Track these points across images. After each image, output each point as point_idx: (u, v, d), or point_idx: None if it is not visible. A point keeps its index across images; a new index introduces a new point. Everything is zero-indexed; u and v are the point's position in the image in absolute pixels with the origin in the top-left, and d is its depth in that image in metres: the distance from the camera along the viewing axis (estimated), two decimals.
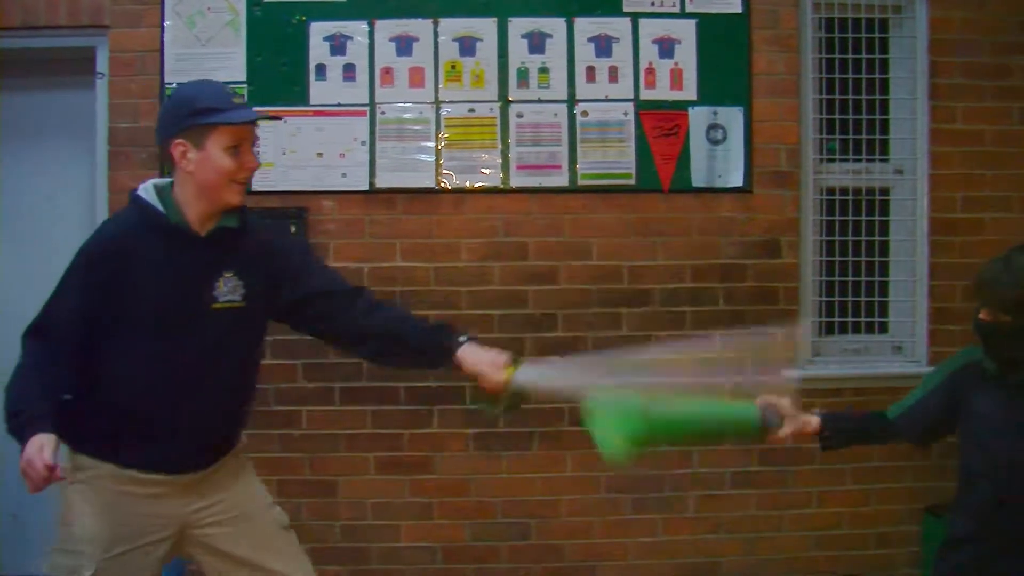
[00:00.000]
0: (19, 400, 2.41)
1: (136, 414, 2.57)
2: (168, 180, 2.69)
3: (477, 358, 2.73)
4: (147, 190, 2.66)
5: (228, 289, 2.65)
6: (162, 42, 4.32)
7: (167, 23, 4.32)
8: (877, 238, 4.57)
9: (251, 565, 2.74)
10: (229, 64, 4.33)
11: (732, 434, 2.60)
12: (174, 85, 4.27)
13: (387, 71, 4.35)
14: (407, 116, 4.34)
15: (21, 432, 2.33)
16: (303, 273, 2.79)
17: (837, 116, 4.54)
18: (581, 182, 4.36)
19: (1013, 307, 2.41)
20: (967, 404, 2.63)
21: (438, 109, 4.35)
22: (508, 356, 2.74)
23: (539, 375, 2.75)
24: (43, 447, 2.28)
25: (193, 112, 2.56)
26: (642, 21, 4.38)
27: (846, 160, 4.57)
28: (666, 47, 4.38)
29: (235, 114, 2.60)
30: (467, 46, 4.35)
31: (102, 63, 4.37)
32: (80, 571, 2.52)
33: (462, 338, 2.76)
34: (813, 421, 2.72)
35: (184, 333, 2.58)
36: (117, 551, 2.58)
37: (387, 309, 2.85)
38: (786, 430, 2.61)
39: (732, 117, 4.39)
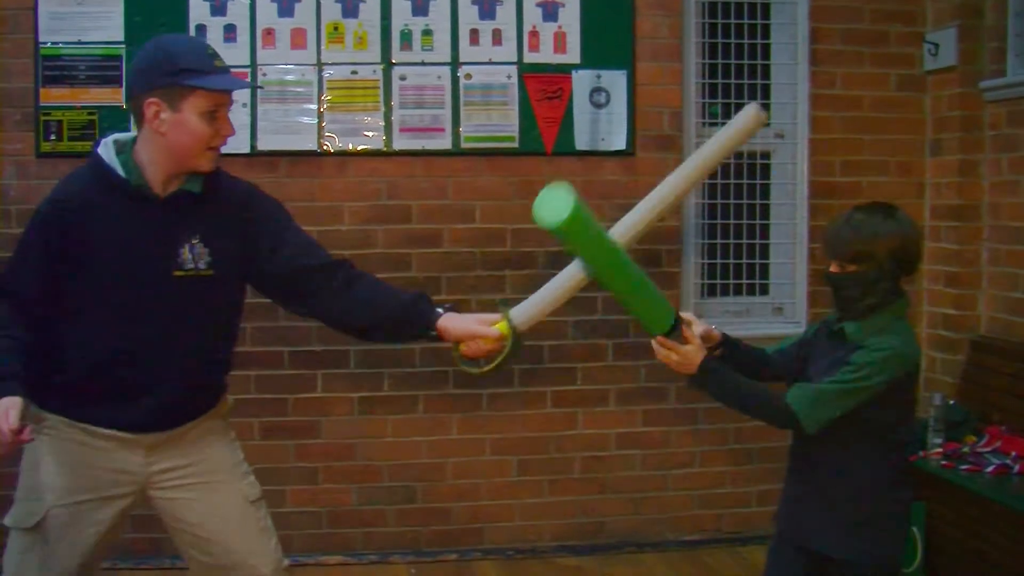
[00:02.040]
0: None
1: (95, 377, 2.49)
2: (131, 135, 2.54)
3: (463, 325, 2.61)
4: (107, 147, 2.50)
5: (192, 256, 2.51)
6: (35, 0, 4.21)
7: None
8: (758, 201, 4.65)
9: (206, 535, 2.65)
10: (106, 24, 4.23)
11: (650, 311, 2.57)
12: (48, 44, 4.18)
13: (268, 32, 4.29)
14: (289, 78, 4.29)
15: None
16: (280, 245, 2.63)
17: (719, 80, 4.60)
18: (464, 145, 4.36)
19: (854, 257, 2.57)
20: (811, 353, 2.74)
21: (320, 71, 4.31)
22: (499, 305, 2.66)
23: (529, 305, 2.63)
24: (9, 410, 2.23)
25: (173, 71, 2.40)
26: None
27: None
28: (550, 10, 4.39)
29: (218, 79, 2.46)
30: (350, 7, 4.30)
31: None
32: (39, 513, 2.47)
33: (440, 309, 2.65)
34: (716, 333, 2.79)
35: (143, 299, 2.49)
36: (76, 499, 2.50)
37: (365, 283, 2.71)
38: (699, 330, 2.65)
39: (615, 80, 4.42)
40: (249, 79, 4.24)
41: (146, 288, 2.48)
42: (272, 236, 2.63)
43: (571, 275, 2.61)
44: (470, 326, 2.60)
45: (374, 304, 2.66)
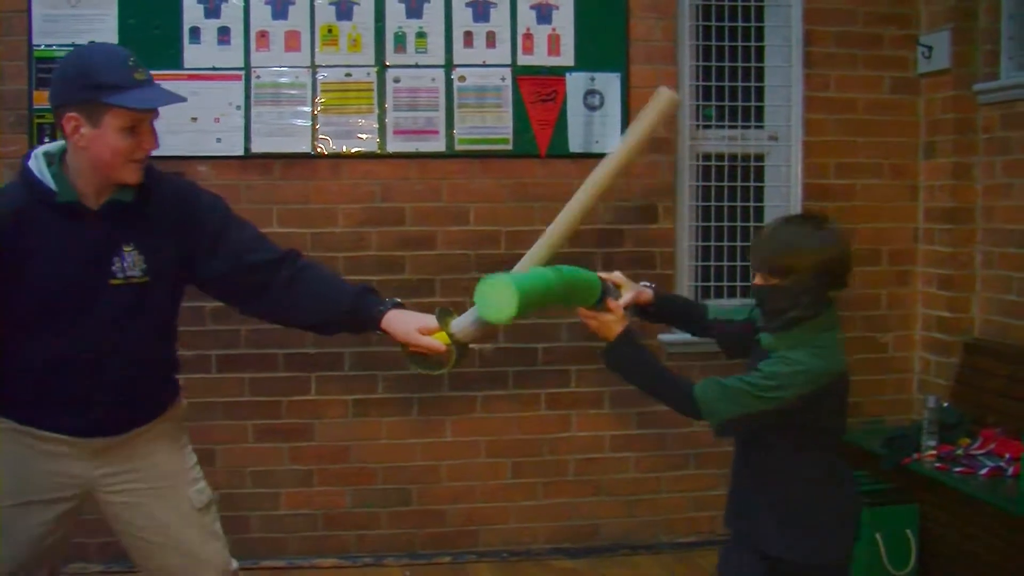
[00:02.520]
0: None
1: (39, 385, 2.49)
2: (61, 145, 2.47)
3: (405, 326, 2.60)
4: (37, 159, 2.45)
5: (127, 264, 2.49)
6: (29, 2, 4.19)
7: None
8: (752, 204, 4.65)
9: (151, 541, 2.63)
10: (101, 27, 4.22)
11: (582, 297, 2.62)
12: (42, 47, 4.18)
13: (263, 34, 4.28)
14: (283, 80, 4.29)
15: None
16: (218, 242, 2.60)
17: (713, 83, 4.60)
18: (458, 147, 4.36)
19: (776, 270, 2.56)
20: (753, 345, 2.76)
21: (314, 73, 4.30)
22: (437, 314, 2.64)
23: (472, 319, 2.58)
24: None
25: (90, 86, 2.34)
26: None
27: (722, 127, 4.64)
28: (544, 12, 4.39)
29: (137, 96, 2.39)
30: (344, 10, 4.30)
31: None
32: None
33: (382, 307, 2.64)
34: (647, 292, 2.86)
35: (82, 310, 2.47)
36: (22, 500, 2.50)
37: (310, 276, 2.67)
38: (625, 298, 2.74)
39: (609, 83, 4.42)
40: (243, 81, 4.25)
41: (83, 298, 2.47)
42: (211, 235, 2.60)
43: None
44: (410, 333, 2.59)
45: (320, 300, 2.65)
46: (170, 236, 2.55)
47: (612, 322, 2.64)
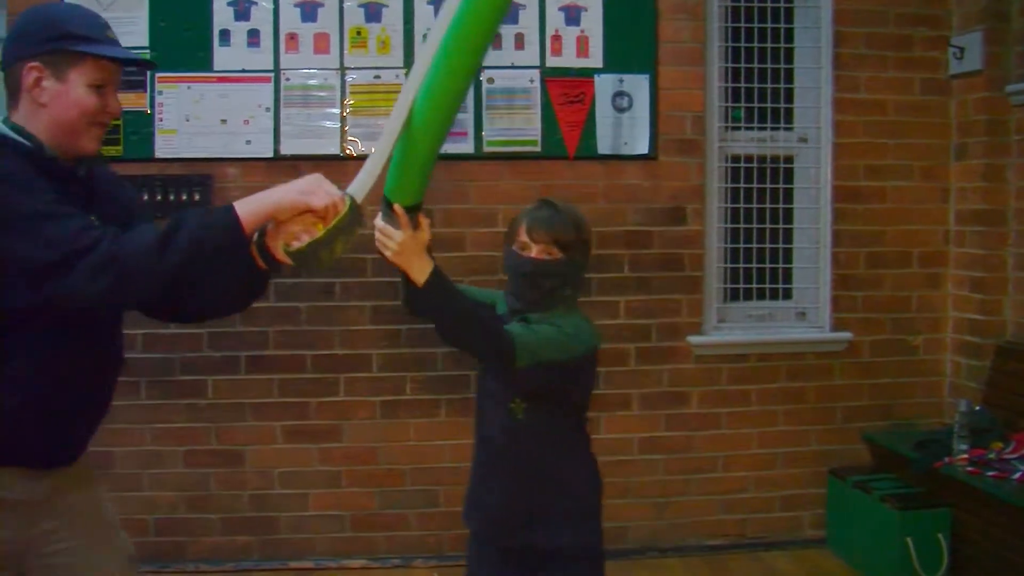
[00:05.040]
0: None
1: (32, 398, 2.15)
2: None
3: (280, 197, 2.09)
4: (7, 123, 2.15)
5: None
6: (61, 3, 4.23)
7: None
8: (781, 206, 4.62)
9: None
10: (132, 29, 4.25)
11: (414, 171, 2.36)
12: None
13: (292, 37, 4.30)
14: (312, 82, 4.31)
15: None
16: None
17: (742, 84, 4.58)
18: (487, 149, 4.37)
19: (564, 244, 2.53)
20: None
21: (343, 75, 4.32)
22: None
23: (365, 175, 2.23)
24: None
25: (63, 35, 2.12)
26: None
27: (751, 128, 4.63)
28: (572, 14, 4.38)
29: (112, 48, 2.18)
30: (373, 12, 4.31)
31: (0, 27, 4.27)
32: None
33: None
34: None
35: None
36: None
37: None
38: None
39: (638, 85, 4.41)
40: (272, 84, 4.27)
41: None
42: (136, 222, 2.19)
43: (391, 129, 2.26)
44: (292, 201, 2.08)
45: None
46: (114, 220, 2.15)
47: (418, 255, 2.34)
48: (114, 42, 2.21)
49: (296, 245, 2.06)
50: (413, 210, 2.35)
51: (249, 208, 2.05)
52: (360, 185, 2.20)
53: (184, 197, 4.23)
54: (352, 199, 2.12)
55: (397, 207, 2.30)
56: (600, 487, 2.67)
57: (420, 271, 2.35)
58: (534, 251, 2.55)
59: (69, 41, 2.12)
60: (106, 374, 2.33)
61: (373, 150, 2.25)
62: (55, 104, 2.13)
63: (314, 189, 2.09)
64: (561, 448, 2.61)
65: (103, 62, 2.16)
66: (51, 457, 2.22)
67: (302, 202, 2.07)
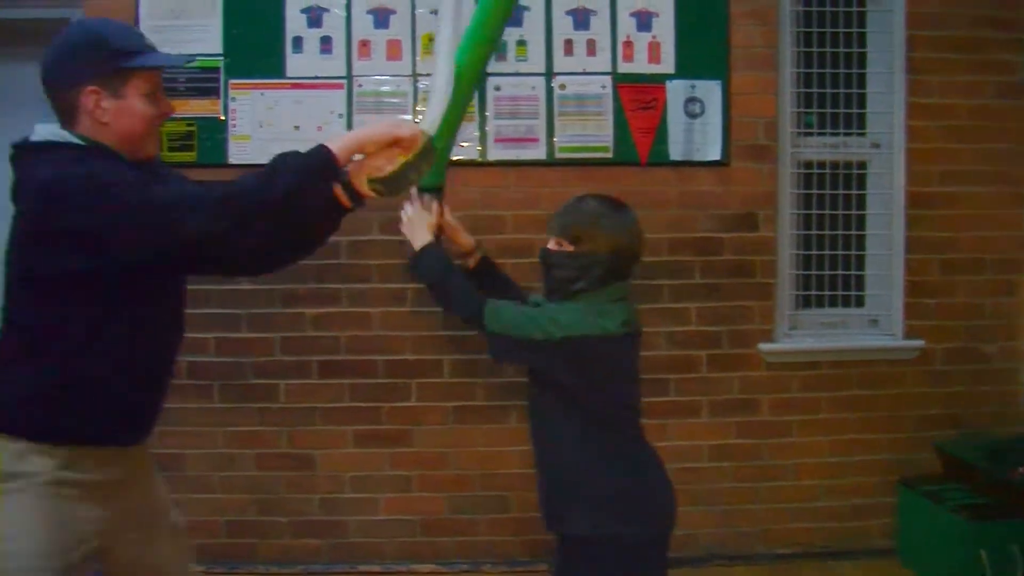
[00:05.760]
0: None
1: (113, 385, 2.28)
2: (56, 131, 2.29)
3: (369, 131, 2.27)
4: (64, 135, 2.26)
5: None
6: (137, 14, 4.28)
7: None
8: (854, 212, 4.59)
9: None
10: (205, 36, 4.30)
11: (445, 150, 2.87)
12: None
13: (364, 44, 4.32)
14: (385, 89, 4.32)
15: None
16: None
17: (815, 89, 4.55)
18: (559, 155, 4.36)
19: (569, 236, 2.71)
20: None
21: (416, 82, 4.33)
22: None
23: (432, 111, 2.52)
24: None
25: (114, 55, 2.23)
26: None
27: (823, 134, 4.59)
28: (644, 20, 4.37)
29: (158, 56, 2.33)
30: None
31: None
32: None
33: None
34: (471, 241, 3.19)
35: (161, 287, 2.41)
36: (72, 561, 2.24)
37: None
38: (448, 217, 3.09)
39: (710, 90, 4.39)
40: (345, 90, 4.30)
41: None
42: None
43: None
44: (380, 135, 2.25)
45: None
46: None
47: (421, 229, 2.90)
48: (152, 48, 2.33)
49: (387, 170, 2.24)
50: (434, 191, 2.93)
51: (339, 144, 2.21)
52: (430, 121, 2.47)
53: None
54: (426, 133, 2.30)
55: (413, 189, 2.77)
56: (623, 483, 2.70)
57: (419, 242, 2.89)
58: (550, 243, 2.78)
59: (122, 59, 2.24)
60: (175, 350, 2.49)
61: (434, 89, 2.57)
62: (118, 120, 2.26)
63: (397, 123, 2.29)
64: (572, 441, 2.70)
65: (151, 71, 2.30)
66: (130, 434, 2.39)
67: (390, 133, 2.23)
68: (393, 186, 2.26)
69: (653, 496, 2.77)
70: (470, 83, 2.77)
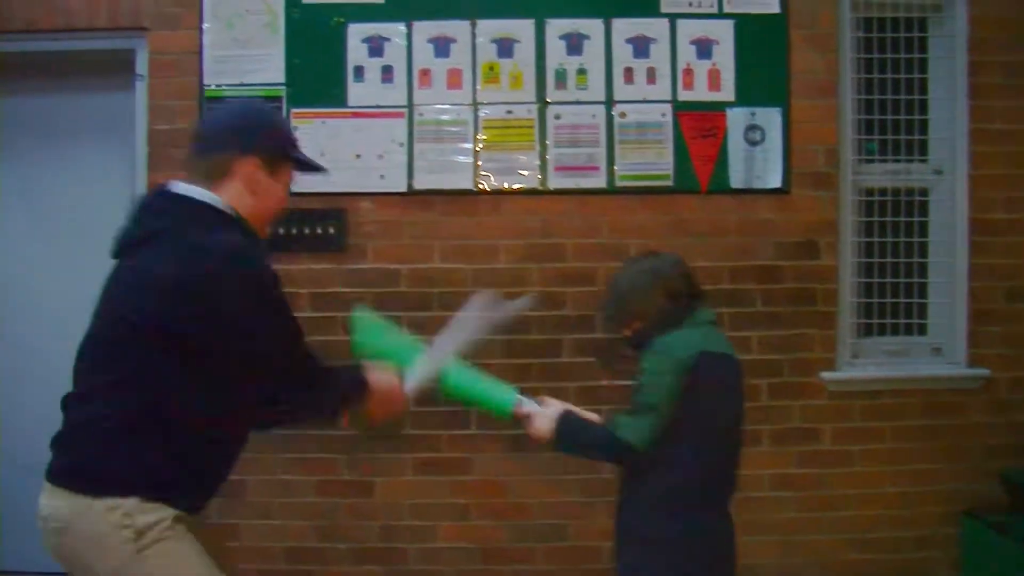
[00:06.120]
0: None
1: (224, 458, 2.46)
2: (208, 194, 2.38)
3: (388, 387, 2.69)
4: (222, 205, 2.38)
5: None
6: (201, 44, 4.34)
7: (206, 25, 4.35)
8: (916, 239, 4.54)
9: None
10: (268, 66, 4.35)
11: (486, 407, 2.96)
12: (212, 86, 4.31)
13: (425, 73, 4.36)
14: (445, 118, 4.35)
15: None
16: None
17: (876, 116, 4.52)
18: (619, 183, 4.36)
19: (632, 318, 2.79)
20: None
21: (476, 111, 4.35)
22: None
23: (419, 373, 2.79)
24: None
25: (283, 141, 2.54)
26: (680, 22, 4.37)
27: (885, 161, 4.55)
28: (704, 48, 4.37)
29: (308, 157, 2.63)
30: (505, 47, 4.35)
31: (141, 65, 4.40)
32: None
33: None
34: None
35: None
36: None
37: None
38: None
39: (770, 118, 4.37)
40: (406, 119, 4.34)
41: None
42: None
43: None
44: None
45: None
46: None
47: (542, 424, 2.81)
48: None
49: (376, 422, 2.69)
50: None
51: (375, 381, 2.60)
52: (414, 384, 2.76)
53: (319, 231, 4.30)
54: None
55: (519, 412, 2.88)
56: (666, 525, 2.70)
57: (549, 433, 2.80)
58: (626, 332, 2.82)
59: (289, 147, 2.55)
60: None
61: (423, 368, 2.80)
62: (264, 196, 2.47)
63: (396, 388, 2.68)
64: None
65: (295, 168, 2.58)
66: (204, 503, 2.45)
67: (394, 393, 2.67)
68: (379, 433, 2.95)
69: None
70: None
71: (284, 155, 2.52)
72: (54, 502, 2.25)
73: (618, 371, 2.95)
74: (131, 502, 2.20)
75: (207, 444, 2.33)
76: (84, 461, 2.25)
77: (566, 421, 2.78)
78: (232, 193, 2.40)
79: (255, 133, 2.48)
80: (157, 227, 2.32)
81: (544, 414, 2.80)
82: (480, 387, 2.89)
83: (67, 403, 2.36)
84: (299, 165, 2.59)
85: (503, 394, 2.88)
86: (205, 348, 2.22)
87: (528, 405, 2.86)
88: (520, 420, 2.86)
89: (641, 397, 2.63)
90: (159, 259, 2.24)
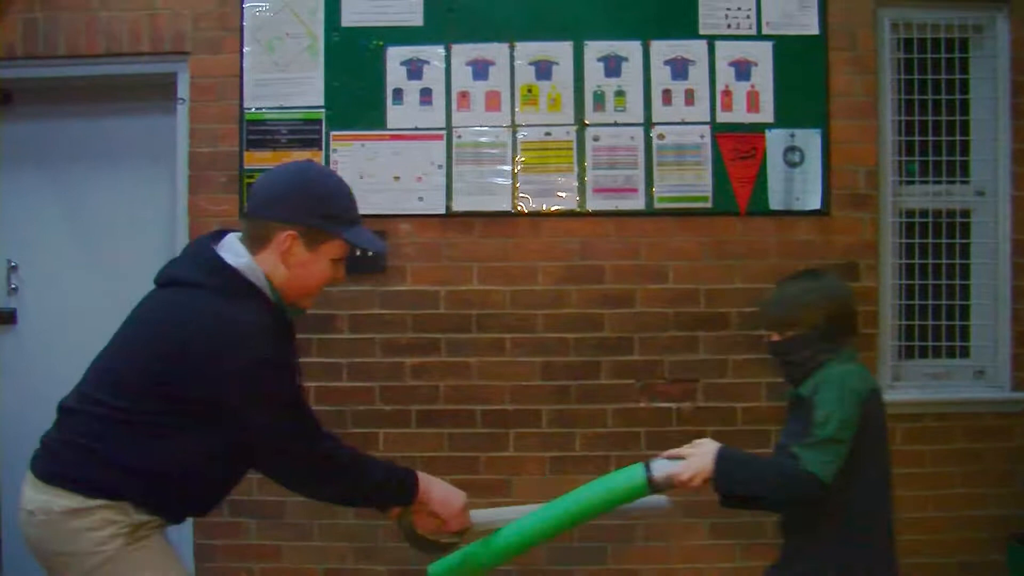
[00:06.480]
0: None
1: (218, 489, 2.55)
2: (248, 260, 2.41)
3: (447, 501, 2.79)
4: (255, 274, 2.39)
5: None
6: (241, 68, 4.39)
7: (246, 49, 4.39)
8: (958, 261, 4.50)
9: None
10: (308, 89, 4.39)
11: (619, 501, 2.77)
12: (252, 110, 4.35)
13: (464, 95, 4.37)
14: (484, 140, 4.36)
15: None
16: None
17: (916, 137, 4.48)
18: (657, 205, 4.35)
19: (785, 324, 2.76)
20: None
21: (514, 133, 4.36)
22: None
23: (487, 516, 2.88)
24: None
25: (325, 216, 2.40)
26: (718, 44, 4.37)
27: (926, 182, 4.51)
28: (743, 69, 4.36)
29: (362, 235, 2.50)
30: (543, 70, 4.36)
31: (183, 89, 4.45)
32: None
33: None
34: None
35: None
36: None
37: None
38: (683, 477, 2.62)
39: (810, 139, 4.35)
40: (444, 141, 4.35)
41: None
42: None
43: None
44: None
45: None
46: None
47: (697, 463, 2.61)
48: (359, 220, 2.52)
49: (422, 532, 2.78)
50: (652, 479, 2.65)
51: (426, 487, 2.73)
52: (483, 520, 2.86)
53: (358, 253, 4.30)
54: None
55: (657, 480, 2.64)
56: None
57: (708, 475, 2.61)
58: (772, 336, 2.81)
59: (329, 223, 2.40)
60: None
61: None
62: (301, 270, 2.41)
63: (462, 510, 2.76)
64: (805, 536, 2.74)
65: (350, 244, 2.47)
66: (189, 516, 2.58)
67: (458, 512, 2.76)
68: (421, 545, 2.81)
69: None
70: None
71: (329, 231, 2.42)
72: (42, 496, 2.33)
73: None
74: (123, 504, 2.31)
75: (198, 479, 2.41)
76: (73, 472, 2.33)
77: (728, 455, 2.60)
78: (269, 263, 2.41)
79: (299, 204, 2.39)
80: (190, 279, 2.37)
81: (694, 454, 2.62)
82: (595, 484, 2.81)
83: (64, 409, 2.44)
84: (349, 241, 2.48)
85: (626, 471, 2.71)
86: (201, 413, 2.30)
87: (659, 462, 2.65)
88: (660, 484, 2.64)
89: (823, 431, 2.54)
90: (178, 315, 2.32)
